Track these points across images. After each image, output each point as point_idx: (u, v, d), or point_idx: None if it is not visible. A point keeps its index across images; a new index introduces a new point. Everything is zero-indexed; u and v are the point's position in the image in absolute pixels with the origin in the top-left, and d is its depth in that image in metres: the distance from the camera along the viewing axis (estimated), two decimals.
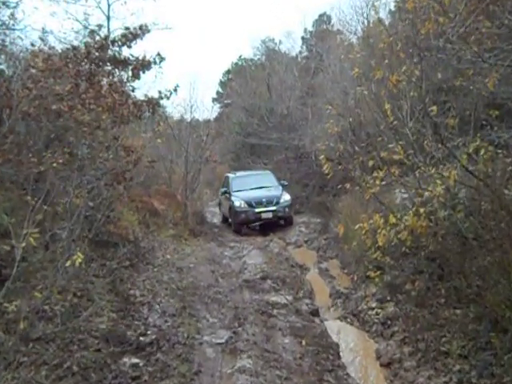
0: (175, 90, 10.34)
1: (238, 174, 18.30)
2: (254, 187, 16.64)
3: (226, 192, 17.09)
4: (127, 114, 8.95)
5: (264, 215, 15.65)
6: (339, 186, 9.37)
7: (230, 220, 16.79)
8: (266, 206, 15.71)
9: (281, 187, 16.81)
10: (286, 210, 15.99)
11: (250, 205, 15.75)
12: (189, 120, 18.07)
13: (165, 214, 14.15)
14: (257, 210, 15.65)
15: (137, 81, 10.09)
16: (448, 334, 5.85)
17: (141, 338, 6.27)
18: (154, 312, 7.30)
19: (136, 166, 9.40)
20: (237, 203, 15.92)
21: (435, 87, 8.56)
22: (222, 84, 38.11)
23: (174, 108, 24.65)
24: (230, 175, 18.10)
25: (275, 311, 7.78)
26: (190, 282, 9.13)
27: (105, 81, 9.40)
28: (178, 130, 17.20)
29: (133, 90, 10.07)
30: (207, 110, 32.21)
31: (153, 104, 9.86)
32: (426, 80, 6.15)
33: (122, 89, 9.26)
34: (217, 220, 19.42)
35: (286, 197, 16.25)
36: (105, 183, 8.06)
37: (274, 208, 15.74)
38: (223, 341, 6.52)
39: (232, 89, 27.75)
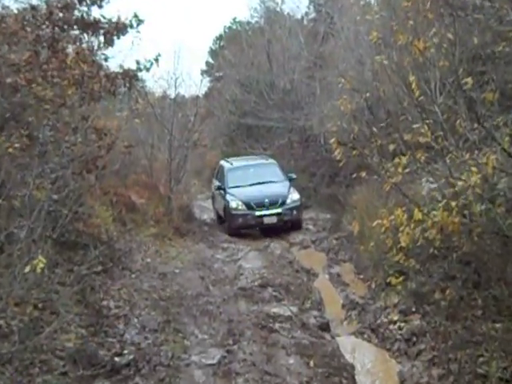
0: (156, 61, 10.23)
1: (235, 163, 17.66)
2: (255, 182, 16.09)
3: (220, 188, 16.66)
4: (98, 89, 8.87)
5: (266, 220, 15.09)
6: (353, 176, 9.34)
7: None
8: (268, 208, 15.11)
9: (288, 182, 16.21)
10: (294, 212, 15.36)
11: (248, 206, 15.21)
12: (173, 97, 17.99)
13: (144, 209, 14.08)
14: (257, 214, 15.08)
15: (110, 48, 9.98)
16: (486, 352, 5.81)
17: (116, 359, 6.22)
18: (131, 327, 7.26)
19: (110, 151, 9.33)
20: (233, 204, 15.43)
21: (470, 54, 8.48)
22: (213, 53, 38.01)
23: (155, 82, 24.51)
24: (225, 165, 17.56)
25: (277, 325, 7.76)
26: (175, 290, 9.11)
27: (71, 48, 9.29)
28: (161, 109, 17.13)
29: (105, 60, 9.98)
30: (195, 85, 32.05)
31: (130, 77, 9.77)
32: (459, 46, 6.08)
33: (91, 58, 9.16)
34: (207, 216, 19.39)
35: (295, 196, 15.67)
36: (72, 172, 7.96)
37: (279, 210, 15.11)
38: (215, 361, 6.48)
39: (225, 59, 27.64)
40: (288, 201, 15.35)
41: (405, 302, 7.90)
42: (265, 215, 15.06)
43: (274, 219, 15.06)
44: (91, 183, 9.35)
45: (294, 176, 16.67)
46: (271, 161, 17.80)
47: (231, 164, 17.53)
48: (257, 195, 15.39)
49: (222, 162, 18.24)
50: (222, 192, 16.30)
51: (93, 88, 8.73)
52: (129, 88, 10.05)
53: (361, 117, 12.45)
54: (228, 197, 15.71)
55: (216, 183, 17.50)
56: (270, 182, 16.19)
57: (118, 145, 10.65)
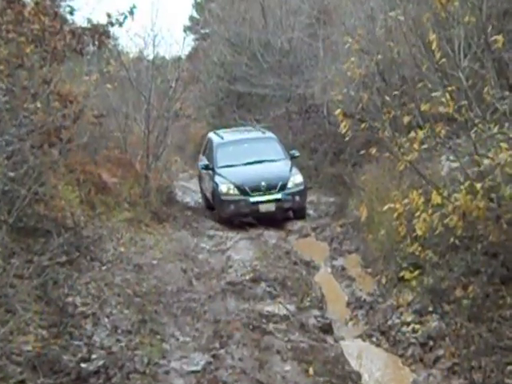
0: (131, 13, 10.12)
1: (226, 137, 17.36)
2: (250, 161, 15.75)
3: (207, 167, 16.31)
4: (62, 48, 8.76)
5: (263, 207, 14.71)
6: (362, 152, 9.32)
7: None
8: (266, 194, 14.74)
9: (289, 161, 15.97)
10: (297, 198, 14.96)
11: (242, 191, 14.84)
12: (151, 58, 17.85)
13: (117, 189, 14.02)
14: (252, 200, 14.69)
15: None
16: None
17: (82, 365, 6.17)
18: (101, 328, 7.22)
19: (77, 121, 9.25)
20: (223, 188, 15.07)
21: (501, 9, 8.44)
22: (198, 5, 37.77)
23: (129, 40, 24.28)
24: (215, 139, 17.29)
25: (271, 326, 7.75)
26: (152, 285, 9.09)
27: None
28: (136, 72, 16.99)
29: (70, 13, 9.87)
30: (177, 44, 31.74)
31: (99, 33, 9.64)
32: None
33: (54, 10, 9.03)
34: (190, 199, 19.40)
35: (298, 178, 15.31)
36: (31, 145, 7.90)
37: (278, 196, 14.75)
38: (199, 368, 6.46)
39: (211, 13, 27.48)
40: (289, 184, 14.99)
41: (420, 300, 7.89)
42: (261, 202, 14.71)
43: (272, 207, 14.74)
44: (54, 159, 9.27)
45: (296, 153, 16.46)
46: (269, 134, 17.48)
47: (221, 138, 17.22)
48: (252, 177, 15.04)
49: (211, 135, 17.95)
50: (211, 172, 15.98)
51: (55, 46, 8.62)
52: (98, 47, 9.95)
53: (371, 83, 12.41)
54: (217, 179, 15.39)
55: (203, 161, 17.13)
56: (268, 160, 15.88)
57: (87, 114, 10.57)
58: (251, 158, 15.87)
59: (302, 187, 15.20)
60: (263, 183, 14.81)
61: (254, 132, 18.10)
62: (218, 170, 15.67)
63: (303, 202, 15.33)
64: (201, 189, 18.35)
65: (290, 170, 15.44)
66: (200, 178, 18.26)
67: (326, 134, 19.12)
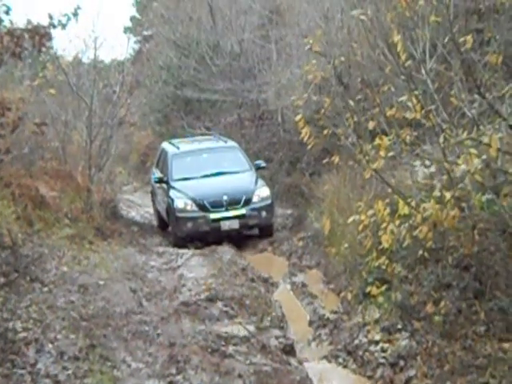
0: (75, 15, 10.02)
1: (183, 146, 16.81)
2: (209, 173, 15.25)
3: (161, 180, 15.69)
4: (0, 51, 8.64)
5: (225, 224, 14.11)
6: (325, 161, 9.36)
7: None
8: (228, 209, 14.19)
9: (254, 172, 15.50)
10: (263, 214, 14.42)
11: (201, 207, 14.22)
12: (91, 61, 17.65)
13: (57, 204, 13.84)
14: (213, 217, 14.11)
15: None
16: (492, 379, 5.89)
17: None
18: (45, 354, 7.12)
19: (15, 130, 9.11)
20: (179, 203, 14.43)
21: (468, 7, 8.58)
22: (139, 5, 37.49)
23: (68, 42, 24.00)
24: (169, 149, 16.76)
25: (231, 348, 7.75)
26: (99, 307, 8.98)
27: None
28: (76, 77, 16.79)
29: (7, 13, 9.72)
30: (120, 46, 31.30)
31: (40, 35, 9.51)
32: None
33: None
34: (136, 213, 19.24)
35: (264, 191, 14.79)
36: None
37: (242, 212, 14.22)
38: None
39: (155, 12, 27.38)
40: (255, 198, 14.46)
41: (388, 317, 7.95)
42: (223, 218, 14.12)
43: (235, 224, 14.18)
44: None
45: (262, 164, 16.00)
46: (231, 143, 17.03)
47: (177, 148, 16.65)
48: (212, 191, 14.49)
49: (165, 145, 17.52)
50: (165, 186, 15.44)
51: None
52: (39, 50, 9.81)
53: (329, 88, 12.49)
54: (172, 193, 14.82)
55: (157, 174, 16.63)
56: (230, 172, 15.37)
57: (26, 122, 10.43)
58: (211, 169, 15.39)
59: (268, 201, 14.69)
60: (225, 197, 14.23)
61: (213, 141, 17.47)
62: (174, 184, 15.09)
63: (270, 218, 14.85)
64: (153, 205, 17.83)
65: (256, 183, 14.96)
66: (153, 194, 17.70)
67: (281, 142, 19.20)
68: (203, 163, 15.67)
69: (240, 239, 14.38)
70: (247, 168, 15.66)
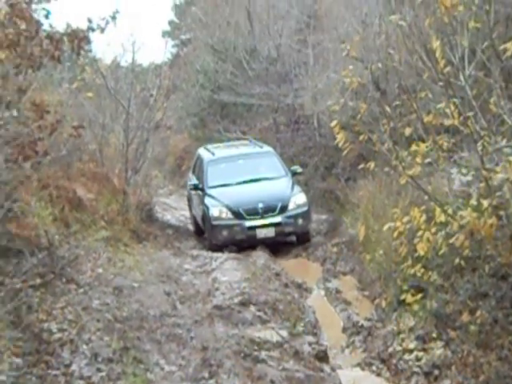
0: (114, 18, 10.05)
1: (218, 152, 16.59)
2: (245, 180, 15.01)
3: (197, 187, 15.59)
4: (39, 54, 8.69)
5: (261, 232, 13.93)
6: (360, 167, 9.32)
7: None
8: (264, 217, 13.98)
9: (290, 179, 15.24)
10: (300, 221, 14.17)
11: (236, 214, 14.08)
12: (129, 65, 17.77)
13: (93, 206, 13.93)
14: (249, 224, 13.94)
15: (53, 1, 9.76)
16: None
17: None
18: (79, 356, 7.16)
19: (53, 133, 9.16)
20: (214, 211, 14.29)
21: (509, 14, 8.50)
22: (178, 9, 37.69)
23: (106, 46, 24.23)
24: (205, 155, 16.57)
25: (264, 354, 7.74)
26: (133, 309, 9.02)
27: None
28: (114, 80, 16.92)
29: (46, 16, 9.77)
30: (158, 50, 31.62)
31: (79, 39, 9.55)
32: (494, 2, 6.06)
33: (29, 13, 8.97)
34: (171, 216, 19.30)
35: (300, 198, 14.54)
36: (5, 159, 7.84)
37: (278, 220, 13.98)
38: None
39: (193, 17, 27.49)
40: (291, 205, 14.21)
41: (423, 325, 7.90)
42: (258, 226, 13.91)
43: (271, 232, 13.96)
44: (27, 173, 9.19)
45: (299, 169, 15.65)
46: (267, 148, 16.70)
47: (212, 154, 16.44)
48: (247, 198, 14.30)
49: (201, 151, 17.34)
50: (201, 193, 15.28)
51: (32, 52, 8.56)
52: (77, 53, 9.86)
53: (366, 93, 12.44)
54: (208, 201, 14.66)
55: (193, 180, 16.68)
56: (266, 178, 15.15)
57: (64, 125, 10.49)
58: (246, 175, 15.17)
59: (305, 208, 14.39)
60: (260, 205, 14.03)
61: (249, 146, 17.21)
62: (209, 191, 14.95)
63: (307, 225, 14.55)
64: (189, 210, 17.76)
65: (292, 189, 14.72)
66: (189, 199, 17.67)
67: (317, 147, 19.14)
68: (238, 169, 15.45)
69: (275, 245, 14.19)
70: (283, 174, 15.38)
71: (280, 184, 14.96)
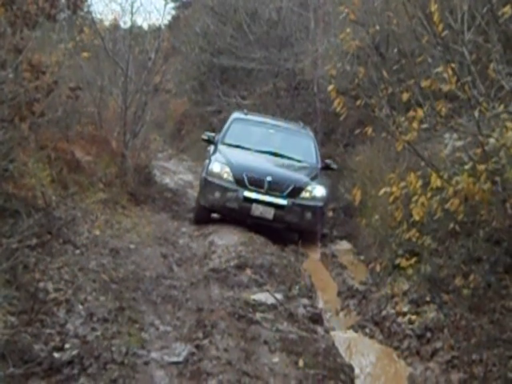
0: None
1: (252, 116, 15.04)
2: (267, 150, 13.35)
3: (210, 140, 13.94)
4: (35, 12, 8.63)
5: (257, 209, 12.00)
6: (356, 132, 9.31)
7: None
8: (268, 193, 12.09)
9: (318, 169, 13.35)
10: (308, 216, 12.06)
11: (238, 180, 12.22)
12: (128, 26, 17.64)
13: (92, 168, 13.95)
14: (245, 194, 12.11)
15: None
16: None
17: (55, 355, 6.13)
18: (75, 315, 7.16)
19: (50, 94, 9.14)
20: (215, 166, 12.58)
21: None
22: None
23: (105, 6, 24.05)
24: (236, 114, 15.07)
25: (258, 315, 7.75)
26: (130, 270, 9.05)
27: None
28: (112, 42, 16.81)
29: None
30: (157, 13, 31.30)
31: None
32: None
33: None
34: (170, 180, 19.30)
35: (319, 190, 12.37)
36: (1, 119, 7.81)
37: (282, 202, 12.03)
38: (181, 359, 6.43)
39: None
40: (304, 193, 12.24)
41: (417, 289, 7.94)
42: (256, 201, 12.04)
43: (269, 212, 11.97)
44: (24, 134, 9.19)
45: (333, 165, 13.72)
46: (308, 131, 14.86)
47: (245, 114, 15.02)
48: (257, 167, 12.53)
49: (235, 113, 15.50)
50: (212, 149, 13.72)
51: (27, 10, 8.50)
52: (73, 11, 9.80)
53: (366, 58, 12.39)
54: (215, 156, 13.03)
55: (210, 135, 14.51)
56: (292, 158, 13.37)
57: (61, 86, 10.45)
58: (271, 147, 13.46)
59: (319, 204, 12.25)
60: (269, 178, 12.07)
61: (290, 123, 15.39)
62: (221, 147, 13.35)
63: (315, 225, 12.12)
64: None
65: (314, 177, 12.79)
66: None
67: (316, 113, 19.08)
68: (266, 138, 13.87)
69: (270, 231, 12.17)
70: (313, 162, 13.54)
71: (302, 168, 13.20)
